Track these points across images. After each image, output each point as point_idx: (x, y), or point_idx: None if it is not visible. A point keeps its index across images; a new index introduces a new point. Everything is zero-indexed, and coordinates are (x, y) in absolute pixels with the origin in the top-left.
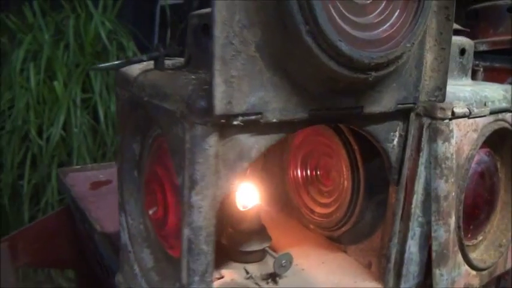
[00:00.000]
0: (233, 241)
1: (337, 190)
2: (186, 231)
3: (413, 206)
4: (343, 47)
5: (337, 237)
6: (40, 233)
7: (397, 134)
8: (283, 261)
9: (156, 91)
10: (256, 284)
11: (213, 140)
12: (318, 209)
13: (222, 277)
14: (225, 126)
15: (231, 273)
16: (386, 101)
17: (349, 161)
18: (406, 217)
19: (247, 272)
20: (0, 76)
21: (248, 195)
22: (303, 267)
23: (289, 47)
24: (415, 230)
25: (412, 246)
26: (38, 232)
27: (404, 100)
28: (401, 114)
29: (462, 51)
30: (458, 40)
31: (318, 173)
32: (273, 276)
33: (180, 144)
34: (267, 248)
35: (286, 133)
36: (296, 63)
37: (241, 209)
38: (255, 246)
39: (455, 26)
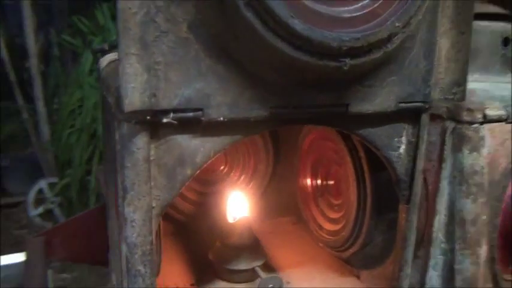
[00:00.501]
0: (220, 257)
1: (346, 204)
2: (123, 248)
3: (435, 228)
4: (297, 25)
5: (347, 260)
6: (77, 229)
7: (403, 140)
8: (270, 286)
9: (107, 83)
10: None
11: (141, 140)
12: (327, 225)
13: None
14: (156, 125)
15: None
16: (382, 99)
17: (355, 170)
18: (427, 242)
19: None
20: (71, 76)
21: (238, 205)
22: None
23: (230, 26)
24: (437, 258)
25: (434, 279)
26: (75, 228)
27: (409, 98)
28: (408, 115)
29: (506, 41)
30: (500, 26)
31: (329, 183)
32: None
33: (114, 145)
34: (257, 268)
35: (242, 135)
36: (242, 47)
37: (230, 221)
38: (243, 265)
39: (496, 9)
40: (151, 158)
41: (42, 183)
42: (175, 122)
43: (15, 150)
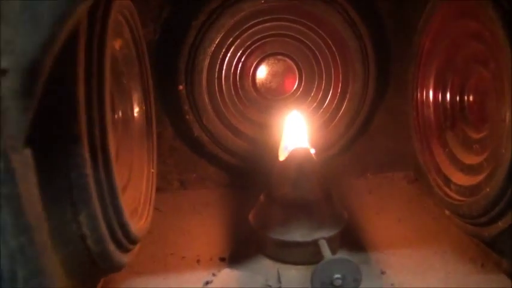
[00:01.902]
0: (264, 220)
1: (494, 136)
2: None
3: None
4: None
5: (492, 241)
6: None
7: None
8: (336, 276)
9: None
10: None
11: None
12: (458, 177)
13: (208, 282)
14: None
15: (233, 277)
16: None
17: None
18: None
19: (279, 281)
20: None
21: (294, 132)
22: None
23: None
24: None
25: None
26: None
27: None
28: None
29: None
30: None
31: (466, 101)
32: None
33: None
34: (323, 242)
35: None
36: None
37: (281, 157)
38: (298, 234)
39: None
40: None
41: None
42: None
43: None
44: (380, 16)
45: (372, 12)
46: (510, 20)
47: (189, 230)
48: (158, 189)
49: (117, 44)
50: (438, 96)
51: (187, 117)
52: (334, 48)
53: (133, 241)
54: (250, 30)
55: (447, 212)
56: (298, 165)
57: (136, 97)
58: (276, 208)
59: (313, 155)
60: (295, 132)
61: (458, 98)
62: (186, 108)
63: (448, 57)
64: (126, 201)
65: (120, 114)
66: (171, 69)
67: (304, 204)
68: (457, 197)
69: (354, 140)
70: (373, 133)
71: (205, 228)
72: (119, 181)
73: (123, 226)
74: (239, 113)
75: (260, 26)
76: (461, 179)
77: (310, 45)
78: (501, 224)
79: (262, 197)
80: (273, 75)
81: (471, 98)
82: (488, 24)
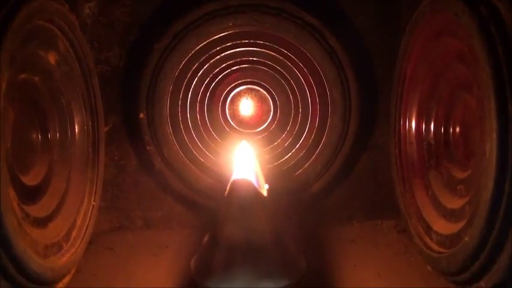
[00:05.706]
0: (205, 266)
1: (478, 175)
2: None
3: None
4: None
5: None
6: None
7: None
8: None
9: None
10: None
11: None
12: (439, 225)
13: None
14: None
15: None
16: None
17: (496, 89)
18: None
19: None
20: None
21: (241, 165)
22: None
23: None
24: None
25: None
26: None
27: None
28: None
29: None
30: None
31: (450, 133)
32: None
33: None
34: None
35: None
36: None
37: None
38: (240, 282)
39: None
40: None
41: None
42: None
43: None
44: (362, 41)
45: (353, 37)
46: (488, 28)
47: (134, 275)
48: (119, 228)
49: (52, 57)
50: (422, 130)
51: (148, 148)
52: (310, 77)
53: (36, 280)
54: (219, 56)
55: (429, 267)
56: (241, 200)
57: (79, 120)
58: (219, 251)
59: (259, 189)
60: (244, 164)
61: (442, 131)
62: (147, 138)
63: (431, 83)
64: (44, 233)
65: (58, 136)
66: (133, 95)
67: (249, 247)
68: (437, 248)
69: (337, 181)
70: (360, 175)
71: (152, 275)
72: (36, 211)
73: (17, 262)
74: (206, 146)
75: (230, 51)
76: (443, 227)
77: (285, 73)
78: (484, 284)
79: (206, 238)
80: (245, 105)
81: (457, 130)
82: (466, 37)
